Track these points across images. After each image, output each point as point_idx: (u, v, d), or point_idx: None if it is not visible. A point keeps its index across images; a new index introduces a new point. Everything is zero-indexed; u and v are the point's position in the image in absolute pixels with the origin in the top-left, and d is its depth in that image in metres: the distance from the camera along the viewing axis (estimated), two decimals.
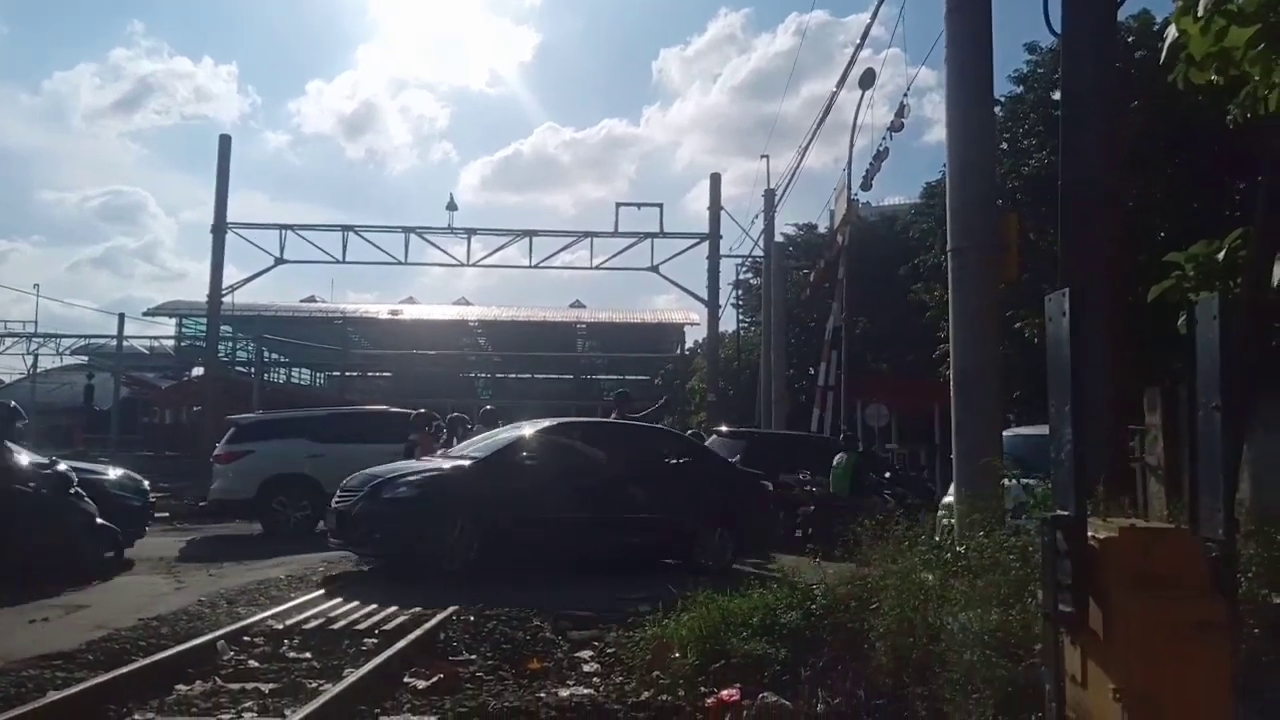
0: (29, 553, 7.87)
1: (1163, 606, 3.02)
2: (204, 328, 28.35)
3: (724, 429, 18.01)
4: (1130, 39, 17.67)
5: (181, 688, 4.82)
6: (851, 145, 19.61)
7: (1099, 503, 4.43)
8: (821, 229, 32.32)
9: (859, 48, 17.71)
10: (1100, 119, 5.78)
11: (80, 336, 45.11)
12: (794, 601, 5.46)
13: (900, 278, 25.92)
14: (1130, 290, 6.83)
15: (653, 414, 14.37)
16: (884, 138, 17.66)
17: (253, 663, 5.36)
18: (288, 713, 4.29)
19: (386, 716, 4.43)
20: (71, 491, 8.81)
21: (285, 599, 7.20)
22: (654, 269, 24.92)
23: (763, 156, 59.21)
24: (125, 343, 41.87)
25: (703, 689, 4.91)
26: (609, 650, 5.79)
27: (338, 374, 56.86)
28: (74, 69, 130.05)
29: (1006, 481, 10.80)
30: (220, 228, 23.55)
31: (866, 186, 18.68)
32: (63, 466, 9.22)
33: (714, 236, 24.64)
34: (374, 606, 6.71)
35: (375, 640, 5.79)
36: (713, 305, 25.20)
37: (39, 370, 42.53)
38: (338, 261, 24.91)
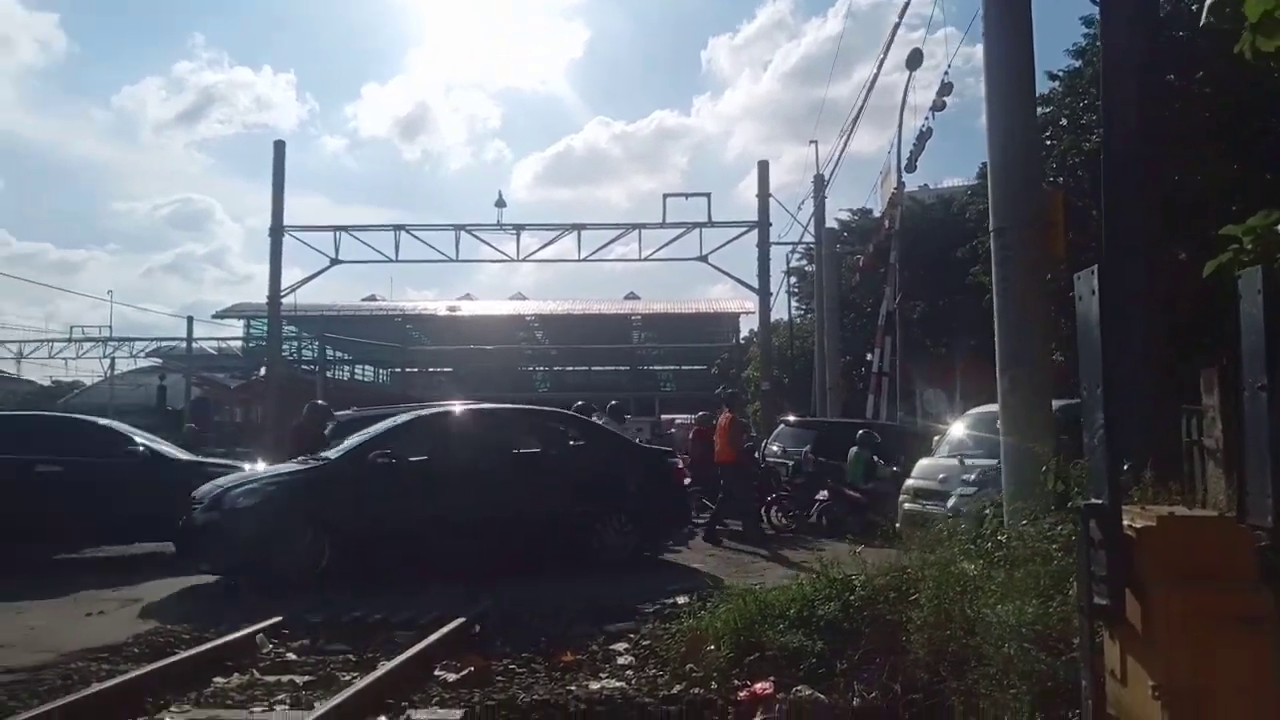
0: None
1: (1204, 599, 2.84)
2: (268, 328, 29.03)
3: (792, 418, 17.69)
4: (1195, 6, 16.87)
5: (219, 680, 4.92)
6: (900, 126, 19.16)
7: (1146, 488, 4.22)
8: (876, 213, 31.69)
9: (896, 27, 17.32)
10: (1136, 84, 5.50)
11: (153, 340, 46.80)
12: (832, 593, 5.33)
13: (958, 260, 25.28)
14: (1188, 265, 6.53)
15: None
16: (927, 117, 17.27)
17: (290, 655, 5.45)
18: (317, 704, 4.32)
19: (415, 710, 4.44)
20: None
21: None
22: (703, 259, 24.71)
23: (811, 142, 58.65)
24: (196, 344, 43.41)
25: (736, 682, 4.82)
26: (644, 643, 5.74)
27: (399, 370, 57.98)
28: (140, 83, 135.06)
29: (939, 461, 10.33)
30: (278, 230, 24.08)
31: (911, 168, 18.26)
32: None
33: (763, 224, 24.32)
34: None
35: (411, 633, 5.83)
36: (764, 293, 24.91)
37: (116, 373, 44.26)
38: (391, 260, 25.32)
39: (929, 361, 24.93)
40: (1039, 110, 18.72)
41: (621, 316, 56.27)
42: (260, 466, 10.72)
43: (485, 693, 4.68)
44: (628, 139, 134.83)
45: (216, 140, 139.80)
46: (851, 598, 5.14)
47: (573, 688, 4.82)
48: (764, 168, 25.11)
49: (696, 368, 56.49)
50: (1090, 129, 19.38)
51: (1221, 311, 4.85)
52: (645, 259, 25.33)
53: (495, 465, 8.70)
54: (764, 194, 24.50)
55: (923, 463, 11.32)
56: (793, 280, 37.65)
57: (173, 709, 4.46)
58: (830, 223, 28.59)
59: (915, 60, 17.65)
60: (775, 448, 15.26)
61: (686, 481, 10.75)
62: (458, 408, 9.99)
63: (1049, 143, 18.67)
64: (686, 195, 24.82)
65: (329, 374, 42.06)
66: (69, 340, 44.41)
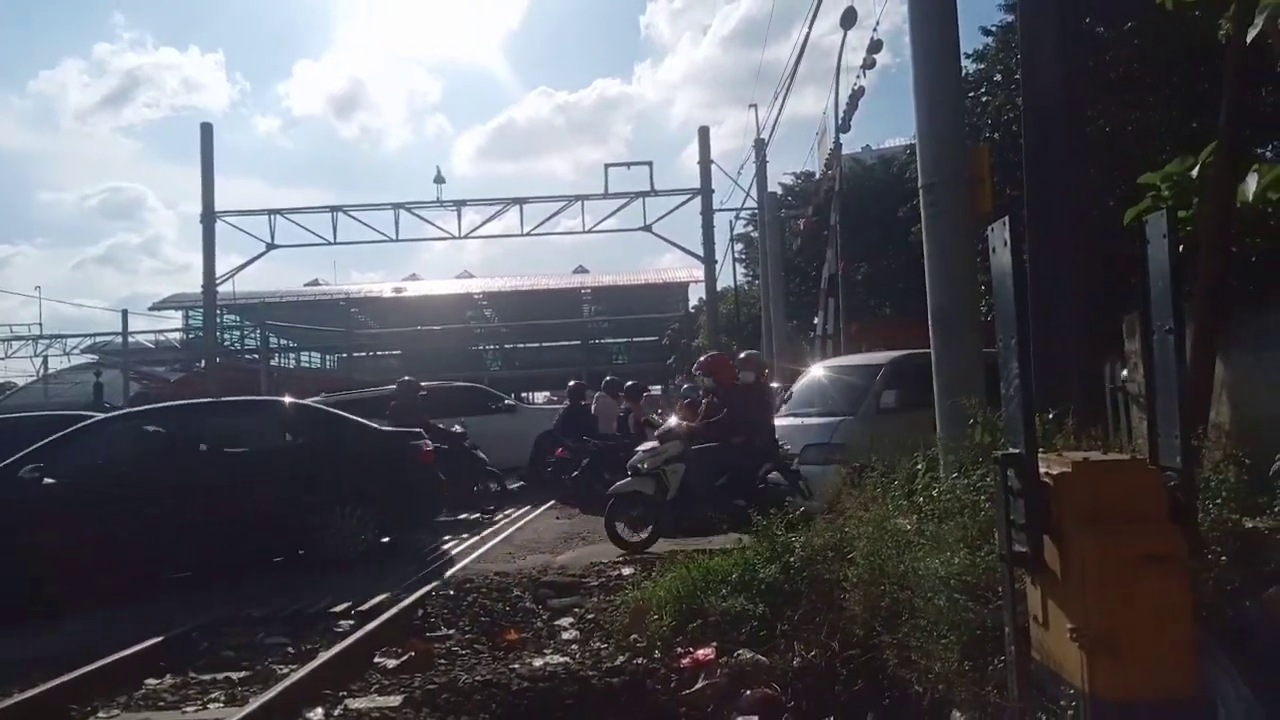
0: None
1: (1116, 540, 2.88)
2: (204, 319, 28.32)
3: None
4: None
5: (151, 681, 4.79)
6: (836, 87, 19.15)
7: (1069, 436, 4.29)
8: (819, 176, 31.84)
9: None
10: (1056, 32, 5.53)
11: (86, 336, 45.35)
12: (772, 555, 5.36)
13: (900, 221, 25.53)
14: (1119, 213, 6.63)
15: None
16: (858, 76, 17.27)
17: (228, 652, 5.33)
18: (251, 700, 4.23)
19: (352, 699, 4.37)
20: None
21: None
22: (647, 228, 24.64)
23: (750, 106, 58.48)
24: (133, 338, 42.12)
25: (679, 650, 4.84)
26: (589, 617, 5.73)
27: (345, 355, 57.06)
28: (59, 67, 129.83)
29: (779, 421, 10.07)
30: (209, 217, 23.42)
31: (845, 128, 18.30)
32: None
33: (706, 191, 24.30)
34: None
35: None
36: (709, 260, 24.94)
37: (50, 372, 42.82)
38: (329, 243, 24.79)
39: (874, 322, 25.24)
40: (972, 66, 18.95)
41: (571, 290, 55.88)
42: None
43: (426, 676, 4.63)
44: (570, 109, 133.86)
45: (144, 125, 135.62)
46: (791, 559, 5.16)
47: (516, 665, 4.79)
48: (704, 133, 25.03)
49: (649, 339, 56.48)
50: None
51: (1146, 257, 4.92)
52: (590, 231, 25.19)
53: (191, 467, 7.95)
54: (705, 160, 24.47)
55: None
56: (739, 247, 37.78)
57: (100, 714, 4.33)
58: (773, 187, 28.63)
59: (850, 19, 17.62)
60: None
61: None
62: (165, 406, 10.02)
63: (983, 99, 18.84)
64: (629, 165, 24.71)
65: (272, 362, 41.15)
66: None
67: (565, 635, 5.43)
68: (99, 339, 44.46)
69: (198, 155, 23.41)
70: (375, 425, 9.34)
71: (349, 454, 8.61)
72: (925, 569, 3.96)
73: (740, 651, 4.60)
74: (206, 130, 23.54)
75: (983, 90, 19.19)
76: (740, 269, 38.88)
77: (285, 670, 4.85)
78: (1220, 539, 3.42)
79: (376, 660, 4.92)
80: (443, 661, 4.94)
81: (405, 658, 4.88)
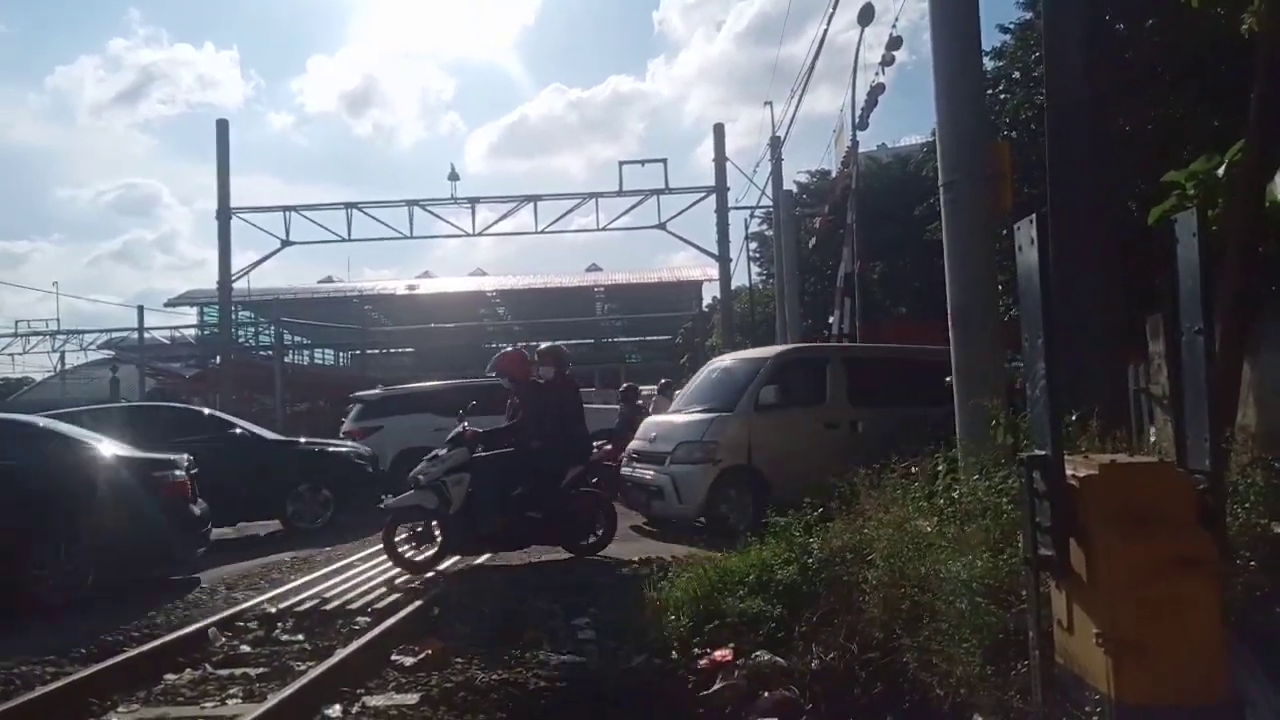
0: None
1: (1145, 544, 2.84)
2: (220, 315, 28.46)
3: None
4: None
5: (170, 677, 4.80)
6: (854, 84, 19.03)
7: (1093, 438, 4.24)
8: (834, 174, 31.71)
9: None
10: (1080, 29, 5.48)
11: (102, 331, 45.67)
12: (790, 556, 5.33)
13: (916, 219, 25.39)
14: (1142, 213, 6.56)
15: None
16: (877, 73, 17.15)
17: (245, 648, 5.35)
18: (269, 696, 4.23)
19: (370, 696, 4.37)
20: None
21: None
22: (662, 226, 24.59)
23: (766, 104, 58.29)
24: (149, 334, 42.37)
25: (696, 650, 4.82)
26: (605, 616, 5.71)
27: (359, 352, 57.25)
28: (75, 63, 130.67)
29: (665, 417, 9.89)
30: (225, 213, 23.55)
31: (863, 125, 18.19)
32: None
33: (721, 189, 24.25)
34: None
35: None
36: (723, 258, 24.89)
37: (67, 367, 43.16)
38: (344, 240, 24.87)
39: (890, 322, 25.11)
40: (991, 64, 18.82)
41: (584, 289, 55.85)
42: None
43: (443, 675, 4.63)
44: (584, 105, 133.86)
45: (159, 121, 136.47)
46: (809, 560, 5.13)
47: (533, 665, 4.78)
48: (720, 131, 25.02)
49: (661, 338, 56.41)
50: (1042, 82, 19.44)
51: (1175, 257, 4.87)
52: (603, 229, 25.19)
53: None
54: (720, 158, 24.44)
55: (649, 420, 10.82)
56: (753, 246, 37.66)
57: (120, 709, 4.34)
58: (788, 185, 28.48)
59: (867, 15, 17.48)
60: None
61: None
62: None
63: (1001, 97, 18.70)
64: (643, 162, 24.68)
65: (286, 359, 41.35)
66: (15, 335, 43.22)
67: (582, 635, 5.42)
68: (115, 335, 44.77)
69: (213, 151, 23.58)
70: (118, 447, 7.69)
71: (63, 484, 7.05)
72: (947, 572, 3.93)
73: (758, 653, 4.58)
74: (222, 127, 23.67)
75: (1001, 88, 19.06)
76: (755, 267, 38.82)
77: (303, 667, 4.85)
78: (1249, 544, 3.37)
79: (394, 658, 4.91)
80: (459, 660, 4.93)
81: (422, 656, 4.87)
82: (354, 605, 6.18)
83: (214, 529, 8.54)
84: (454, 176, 25.09)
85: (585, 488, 8.07)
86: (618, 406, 13.76)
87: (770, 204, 27.67)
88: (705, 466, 9.06)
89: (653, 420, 10.58)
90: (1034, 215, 3.14)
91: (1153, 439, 5.26)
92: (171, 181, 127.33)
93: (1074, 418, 4.29)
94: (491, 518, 7.38)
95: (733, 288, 28.05)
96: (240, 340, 44.95)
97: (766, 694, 4.21)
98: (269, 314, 44.18)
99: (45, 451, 7.39)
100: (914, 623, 4.05)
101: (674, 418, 10.15)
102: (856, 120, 18.08)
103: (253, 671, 4.85)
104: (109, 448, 7.59)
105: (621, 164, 24.32)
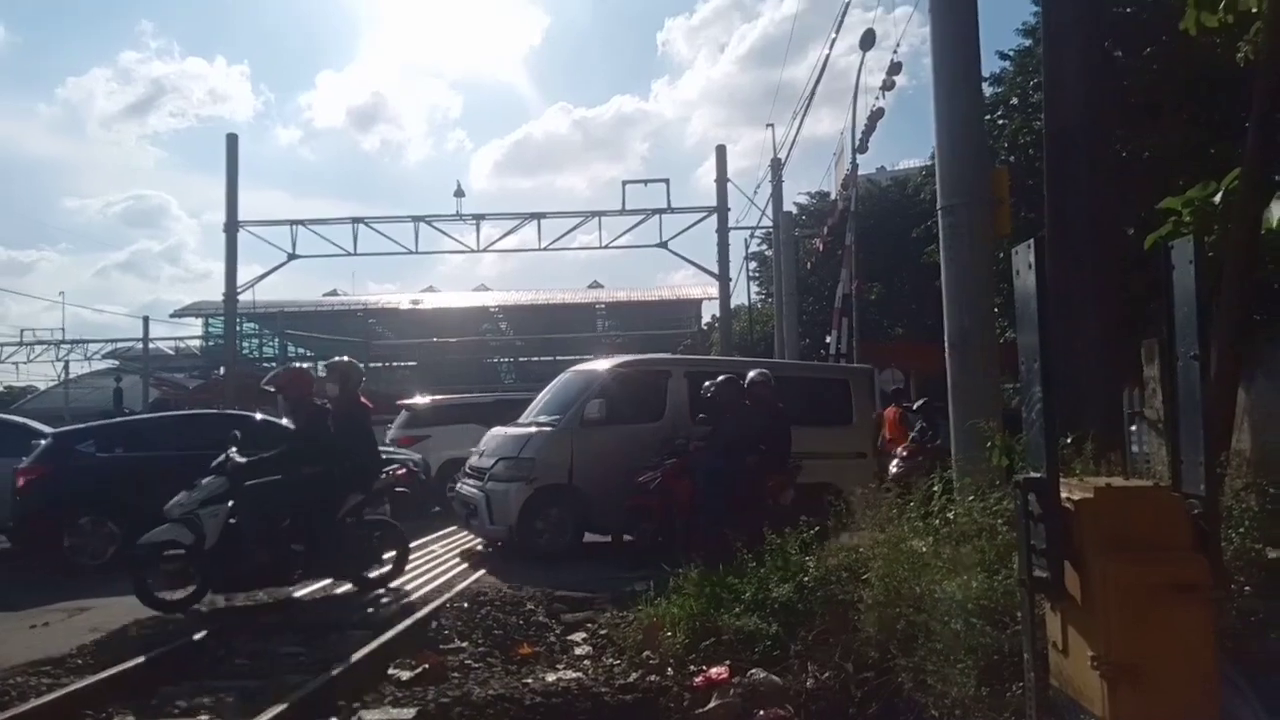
0: None
1: (1140, 568, 2.86)
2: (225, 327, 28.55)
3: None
4: None
5: (166, 689, 4.80)
6: (854, 107, 19.19)
7: (1088, 461, 4.26)
8: (834, 196, 31.89)
9: (847, 6, 17.33)
10: (1079, 56, 5.55)
11: (107, 341, 45.75)
12: (786, 575, 5.34)
13: (914, 242, 25.51)
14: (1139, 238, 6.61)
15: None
16: (877, 97, 17.31)
17: (242, 659, 5.35)
18: (265, 709, 4.23)
19: (366, 710, 4.37)
20: None
21: None
22: (663, 245, 24.71)
23: (768, 126, 58.61)
24: (153, 345, 42.47)
25: (692, 668, 4.82)
26: (602, 632, 5.71)
27: (363, 365, 57.25)
28: (86, 74, 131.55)
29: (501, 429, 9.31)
30: (232, 226, 23.64)
31: (863, 149, 18.32)
32: None
33: (722, 209, 24.36)
34: None
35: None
36: (723, 278, 24.98)
37: (71, 376, 43.19)
38: (349, 254, 24.98)
39: (887, 343, 25.18)
40: (990, 90, 18.98)
41: (585, 305, 55.98)
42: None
43: (440, 690, 4.62)
44: (588, 124, 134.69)
45: (169, 134, 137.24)
46: (805, 579, 5.14)
47: (529, 680, 4.78)
48: (722, 152, 25.13)
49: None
50: (1041, 108, 19.56)
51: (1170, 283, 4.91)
52: (606, 247, 25.29)
53: None
54: (722, 179, 24.57)
55: (491, 431, 10.12)
56: (753, 265, 37.83)
57: None
58: (788, 206, 28.67)
59: (868, 40, 17.64)
60: None
61: None
62: None
63: (1000, 122, 18.84)
64: (646, 182, 24.92)
65: None
66: (20, 344, 43.29)
67: (578, 651, 5.42)
68: (120, 345, 44.89)
69: (221, 164, 23.69)
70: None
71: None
72: (942, 592, 3.94)
73: (753, 671, 4.58)
74: (232, 141, 23.80)
75: (999, 114, 19.21)
76: (754, 287, 38.94)
77: (299, 680, 4.85)
78: (1243, 568, 3.39)
79: (390, 672, 4.92)
80: (456, 675, 4.93)
81: (419, 670, 4.88)
82: (354, 617, 6.18)
83: None
84: (459, 193, 25.23)
85: (373, 515, 7.54)
86: None
87: (770, 225, 27.82)
88: (519, 485, 8.58)
89: (492, 432, 9.98)
90: (1032, 239, 3.18)
91: (1135, 452, 5.28)
92: (180, 194, 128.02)
93: (1069, 441, 4.32)
94: (253, 552, 6.65)
95: (732, 307, 28.12)
96: (245, 352, 45.00)
97: (762, 712, 4.21)
98: (274, 326, 44.29)
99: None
100: (909, 643, 4.05)
101: (508, 430, 9.61)
102: (856, 144, 18.20)
103: (249, 684, 4.85)
104: None
105: (625, 183, 24.61)
